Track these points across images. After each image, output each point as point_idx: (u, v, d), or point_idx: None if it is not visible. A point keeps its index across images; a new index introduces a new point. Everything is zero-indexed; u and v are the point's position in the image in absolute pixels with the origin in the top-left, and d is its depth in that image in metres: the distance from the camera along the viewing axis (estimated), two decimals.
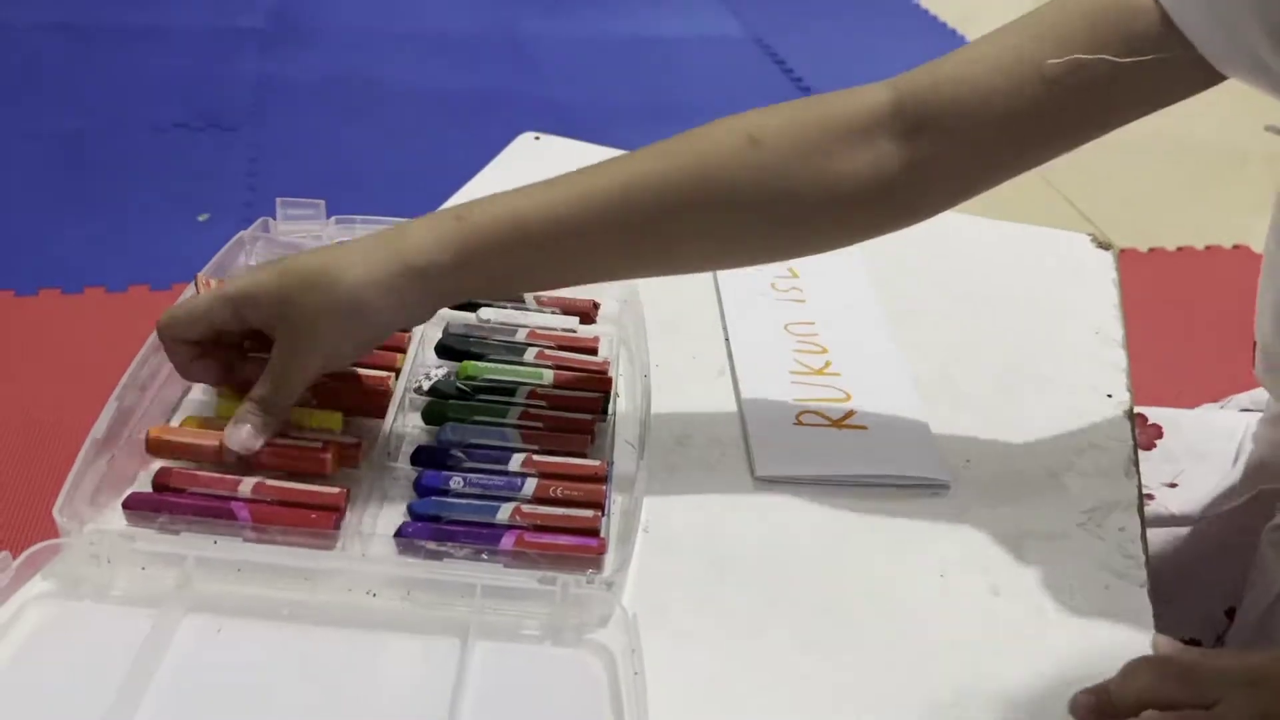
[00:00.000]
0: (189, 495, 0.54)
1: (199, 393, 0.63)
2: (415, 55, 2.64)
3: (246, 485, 0.54)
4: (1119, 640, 0.53)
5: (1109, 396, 0.70)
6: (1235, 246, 2.14)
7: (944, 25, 3.16)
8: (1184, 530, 0.72)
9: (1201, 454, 0.76)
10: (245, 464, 0.56)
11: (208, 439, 0.56)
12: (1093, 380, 0.71)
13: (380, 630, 0.50)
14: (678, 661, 0.50)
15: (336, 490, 0.55)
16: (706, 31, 2.93)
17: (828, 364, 0.70)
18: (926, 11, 3.25)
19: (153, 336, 0.60)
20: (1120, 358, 0.74)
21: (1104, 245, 0.86)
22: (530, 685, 0.49)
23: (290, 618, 0.50)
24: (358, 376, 0.62)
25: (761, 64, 2.77)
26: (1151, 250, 2.12)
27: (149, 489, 0.54)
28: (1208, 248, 2.14)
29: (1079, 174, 2.28)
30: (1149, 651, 0.53)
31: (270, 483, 0.55)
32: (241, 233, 0.71)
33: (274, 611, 0.51)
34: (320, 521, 0.53)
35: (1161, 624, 0.55)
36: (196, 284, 0.66)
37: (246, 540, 0.52)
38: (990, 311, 0.78)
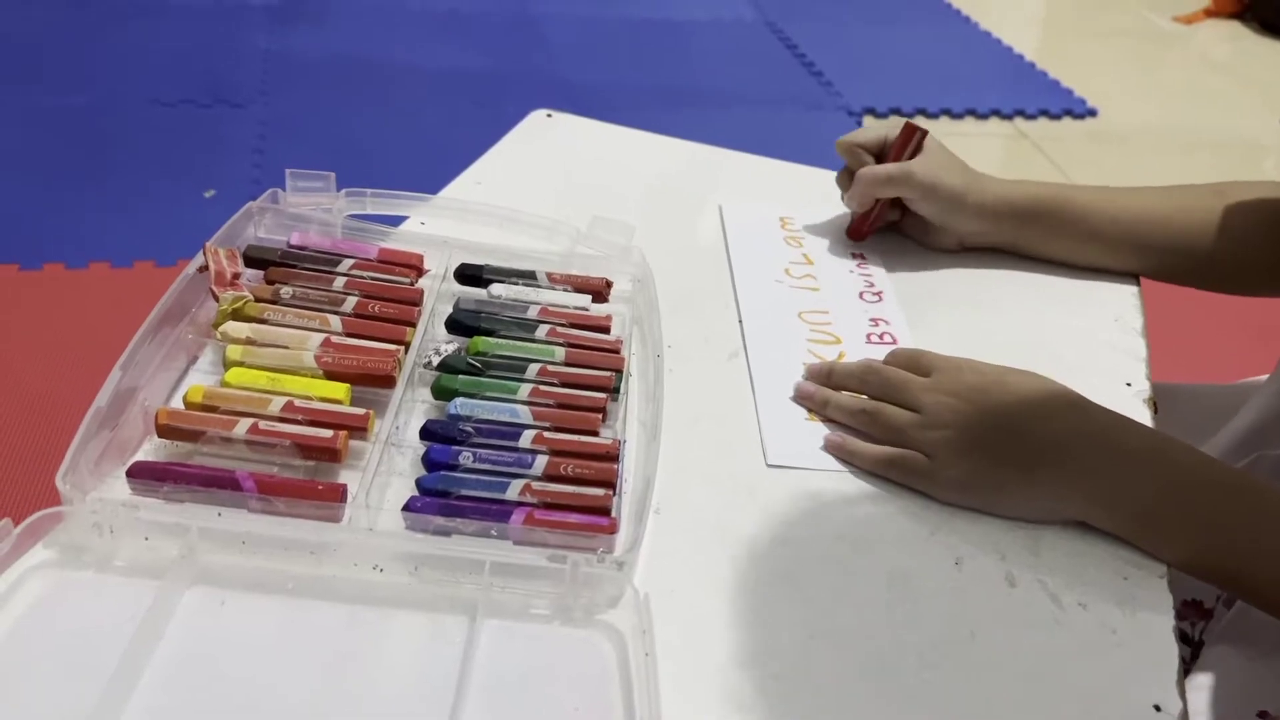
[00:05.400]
0: (194, 464, 0.53)
1: (205, 364, 0.62)
2: (426, 33, 2.62)
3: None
4: (1138, 630, 0.52)
5: (1128, 385, 0.69)
6: None
7: (957, 12, 3.14)
8: None
9: (1194, 426, 0.75)
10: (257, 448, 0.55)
11: (217, 424, 0.55)
12: (1112, 368, 0.70)
13: (386, 606, 0.50)
14: (688, 644, 0.50)
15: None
16: (720, 15, 2.91)
17: (841, 355, 0.69)
18: None
19: (158, 308, 0.59)
20: (1140, 346, 0.73)
21: None
22: (539, 665, 0.48)
23: (295, 592, 0.50)
24: (366, 349, 0.61)
25: (774, 49, 2.75)
26: None
27: (153, 459, 0.54)
28: None
29: (1097, 167, 2.27)
30: (1170, 640, 0.52)
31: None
32: (250, 203, 0.70)
33: (279, 585, 0.50)
34: (327, 494, 0.52)
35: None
36: (205, 253, 0.65)
37: (252, 511, 0.51)
38: (1009, 299, 0.77)
